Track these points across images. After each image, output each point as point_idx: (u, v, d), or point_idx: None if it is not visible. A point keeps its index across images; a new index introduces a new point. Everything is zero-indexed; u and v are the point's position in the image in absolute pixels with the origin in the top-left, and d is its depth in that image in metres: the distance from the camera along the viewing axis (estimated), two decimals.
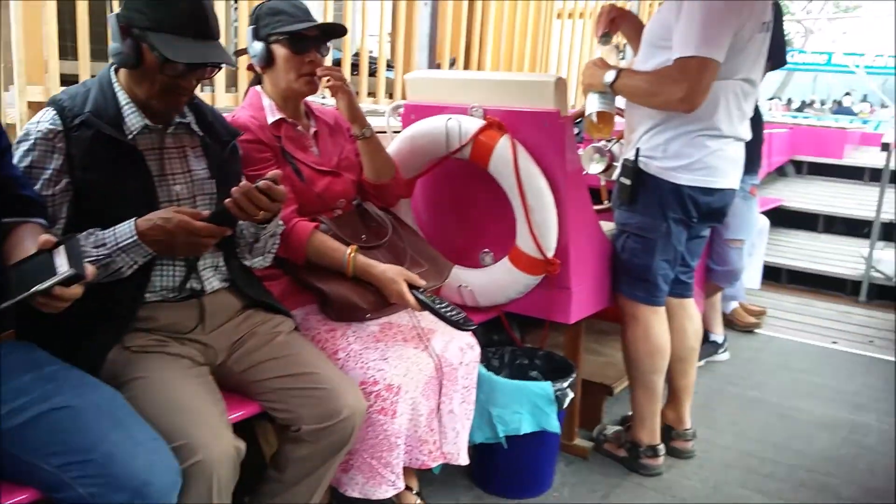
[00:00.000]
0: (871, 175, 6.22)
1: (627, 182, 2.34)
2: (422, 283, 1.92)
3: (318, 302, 1.99)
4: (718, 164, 2.29)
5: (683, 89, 2.10)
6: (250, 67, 2.06)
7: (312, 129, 2.08)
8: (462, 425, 2.04)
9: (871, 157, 6.31)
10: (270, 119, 1.97)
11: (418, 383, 1.90)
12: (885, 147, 4.80)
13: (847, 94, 20.80)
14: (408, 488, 2.05)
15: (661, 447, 2.54)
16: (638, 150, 2.32)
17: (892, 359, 3.84)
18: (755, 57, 2.28)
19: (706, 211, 2.36)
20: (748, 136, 2.39)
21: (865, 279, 4.85)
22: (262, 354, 1.72)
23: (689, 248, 2.49)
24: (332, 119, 2.16)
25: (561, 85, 2.18)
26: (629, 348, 2.49)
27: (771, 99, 18.91)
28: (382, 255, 2.01)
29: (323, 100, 2.58)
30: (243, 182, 1.54)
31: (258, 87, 2.04)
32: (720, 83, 2.18)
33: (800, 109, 20.10)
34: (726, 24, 2.09)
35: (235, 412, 1.67)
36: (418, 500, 2.09)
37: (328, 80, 1.98)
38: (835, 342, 4.09)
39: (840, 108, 19.30)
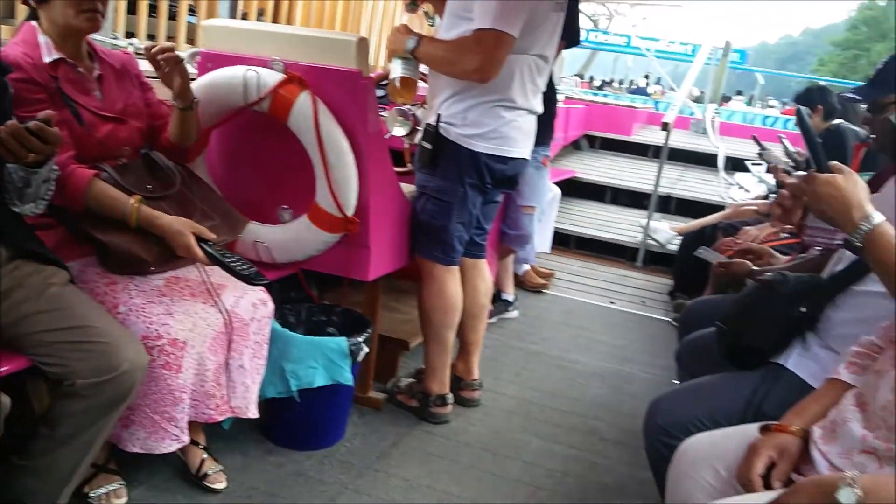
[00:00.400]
0: (654, 152, 6.83)
1: (428, 146, 2.42)
2: (211, 236, 1.88)
3: (97, 254, 1.89)
4: (512, 135, 2.43)
5: (479, 60, 2.20)
6: (24, 0, 1.89)
7: (96, 72, 1.95)
8: (252, 380, 2.04)
9: (656, 136, 6.90)
10: (47, 58, 1.82)
11: (205, 338, 1.88)
12: (665, 126, 5.25)
13: (646, 76, 22.46)
14: (194, 443, 2.03)
15: (450, 396, 2.69)
16: (439, 116, 2.40)
17: (659, 317, 4.29)
18: (549, 35, 2.43)
19: (500, 178, 2.50)
20: (541, 109, 2.55)
21: (642, 246, 5.34)
22: (31, 307, 1.62)
23: (483, 212, 2.63)
24: (119, 63, 2.03)
25: (363, 45, 2.20)
26: (424, 304, 2.59)
27: (574, 76, 20.02)
28: (170, 207, 1.94)
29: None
30: (12, 121, 1.43)
31: (34, 23, 1.87)
32: (515, 57, 2.30)
33: (601, 88, 21.42)
34: (523, 1, 2.20)
35: (1, 367, 1.57)
36: (205, 455, 2.08)
37: (163, 59, 1.88)
38: (612, 302, 4.50)
39: (636, 89, 20.80)
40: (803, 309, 1.67)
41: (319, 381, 2.26)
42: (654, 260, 5.34)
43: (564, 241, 5.52)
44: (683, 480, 1.44)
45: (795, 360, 1.67)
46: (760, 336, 1.72)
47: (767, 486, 1.28)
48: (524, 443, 2.62)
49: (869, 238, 1.33)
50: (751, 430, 1.42)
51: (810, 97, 4.26)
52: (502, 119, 2.39)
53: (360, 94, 2.21)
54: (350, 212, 2.25)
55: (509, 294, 3.87)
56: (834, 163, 1.43)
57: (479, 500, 2.25)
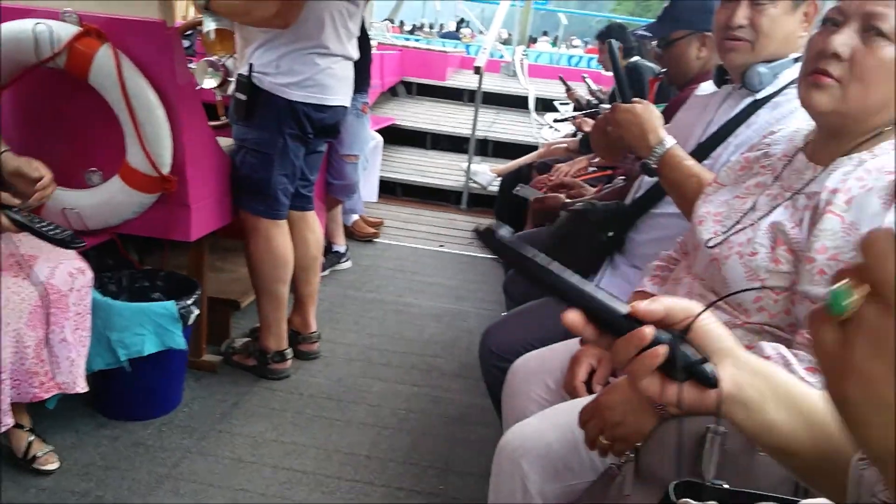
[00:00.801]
0: (468, 96, 6.99)
1: (243, 97, 2.35)
2: (15, 201, 1.75)
3: None
4: (329, 82, 2.41)
5: (276, 5, 2.15)
6: None
7: None
8: (77, 353, 1.94)
9: (469, 80, 7.06)
10: None
11: (21, 314, 1.76)
12: (478, 70, 5.39)
13: (461, 20, 22.69)
14: (18, 426, 1.91)
15: (289, 351, 2.68)
16: (251, 65, 2.33)
17: (486, 256, 4.46)
18: None
19: (320, 127, 2.47)
20: (356, 55, 2.54)
21: (465, 190, 5.51)
22: None
23: (307, 162, 2.60)
24: None
25: None
26: (253, 260, 2.55)
27: (384, 21, 19.87)
28: None
29: None
30: None
31: None
32: (324, 3, 2.28)
33: (412, 32, 21.42)
34: None
35: None
36: (32, 437, 1.96)
37: None
38: (441, 245, 4.62)
39: (448, 33, 20.99)
40: (610, 233, 1.83)
41: (150, 347, 2.17)
42: (478, 202, 5.51)
43: (390, 189, 5.57)
44: (517, 397, 1.55)
45: (607, 280, 1.83)
46: (575, 261, 1.85)
47: (591, 392, 1.41)
48: (367, 387, 2.68)
49: (663, 160, 1.55)
50: (573, 343, 1.54)
51: (609, 35, 4.54)
52: (317, 66, 2.36)
53: (166, 45, 2.10)
54: (166, 170, 2.15)
55: (340, 245, 3.88)
56: (635, 100, 1.64)
57: (328, 446, 2.29)
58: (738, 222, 1.27)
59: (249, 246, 2.54)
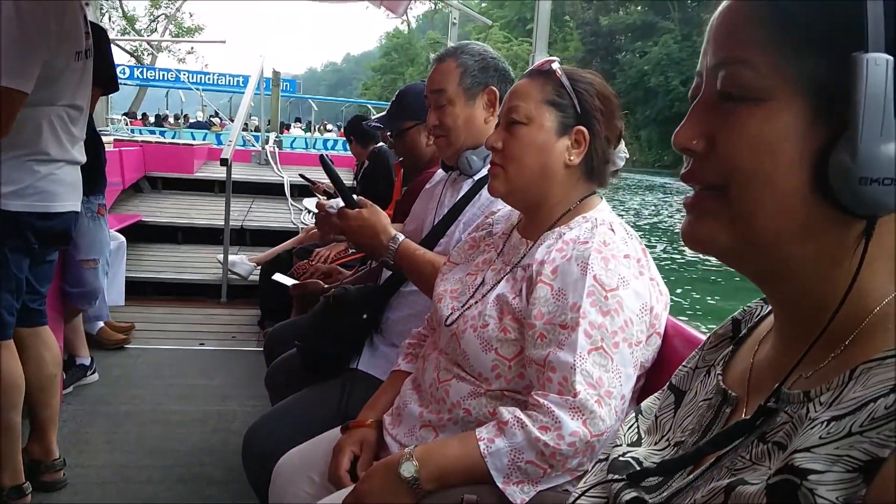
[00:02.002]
0: (220, 187, 6.86)
1: None
2: None
3: None
4: (52, 188, 2.27)
5: None
6: None
7: None
8: None
9: (219, 171, 6.94)
10: None
11: None
12: (224, 162, 5.31)
13: (209, 110, 22.32)
14: None
15: (27, 486, 2.38)
16: None
17: (252, 349, 4.32)
18: (77, 84, 2.33)
19: (48, 235, 2.30)
20: (83, 158, 2.42)
21: (224, 282, 5.33)
22: None
23: (35, 274, 2.39)
24: None
25: None
26: None
27: (122, 115, 19.06)
28: None
29: None
30: None
31: None
32: (42, 109, 2.18)
33: (157, 124, 20.76)
34: (32, 55, 2.08)
35: None
36: None
37: None
38: (202, 343, 4.40)
39: (195, 123, 20.59)
40: (365, 315, 1.87)
41: None
42: (239, 293, 5.35)
43: (141, 290, 5.23)
44: (284, 497, 1.52)
45: (367, 362, 1.87)
46: (334, 346, 1.88)
47: (356, 480, 1.41)
48: None
49: (398, 255, 1.71)
50: (335, 433, 1.55)
51: (354, 126, 4.75)
52: (38, 174, 2.22)
53: None
54: None
55: (85, 357, 3.56)
56: (360, 198, 1.77)
57: None
58: (471, 297, 1.38)
59: None
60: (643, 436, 0.78)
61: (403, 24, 63.25)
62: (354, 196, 1.80)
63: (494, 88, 1.84)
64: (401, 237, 1.73)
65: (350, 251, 3.82)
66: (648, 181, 33.60)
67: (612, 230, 1.29)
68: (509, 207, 1.52)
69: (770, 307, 0.75)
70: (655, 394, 0.83)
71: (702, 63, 0.64)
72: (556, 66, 1.36)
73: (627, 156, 1.42)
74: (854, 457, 0.47)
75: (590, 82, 1.36)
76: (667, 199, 24.46)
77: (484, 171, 1.83)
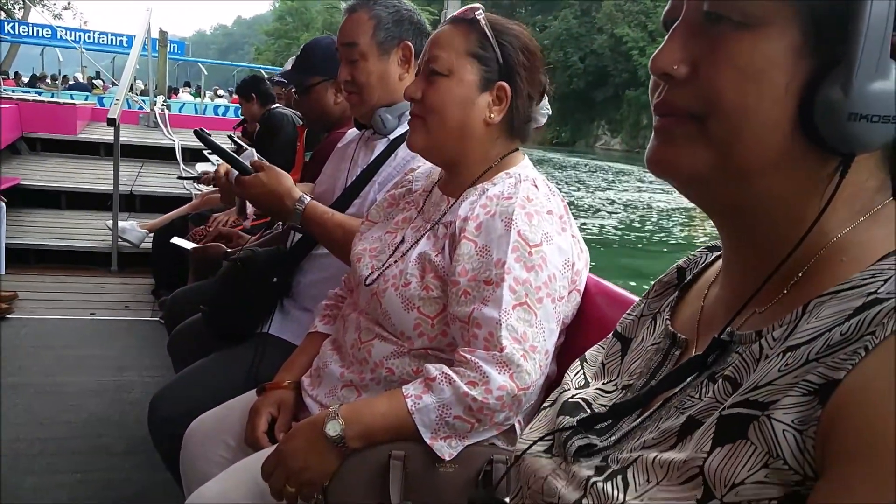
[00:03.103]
0: (106, 150, 6.52)
1: None
2: None
3: None
4: None
5: None
6: None
7: None
8: None
9: (105, 133, 6.59)
10: None
11: None
12: (112, 122, 5.04)
13: (90, 72, 21.05)
14: None
15: None
16: None
17: (147, 318, 4.17)
18: None
19: None
20: None
21: (114, 249, 5.09)
22: None
23: None
24: None
25: None
26: None
27: None
28: None
29: None
30: None
31: None
32: None
33: (32, 84, 19.45)
34: None
35: None
36: None
37: None
38: (93, 313, 4.21)
39: (76, 84, 19.40)
40: (275, 279, 1.83)
41: None
42: (131, 262, 5.13)
43: (23, 258, 4.94)
44: (197, 462, 1.48)
45: (278, 326, 1.83)
46: (242, 310, 1.84)
47: (274, 441, 1.40)
48: (16, 485, 2.34)
49: (305, 218, 1.67)
50: (250, 396, 1.52)
51: (247, 87, 4.60)
52: None
53: None
54: None
55: None
56: (255, 161, 1.71)
57: None
58: (391, 256, 1.37)
59: None
60: (590, 381, 0.79)
61: None
62: (249, 161, 1.73)
63: (409, 43, 1.79)
64: (307, 199, 1.68)
65: (253, 217, 3.73)
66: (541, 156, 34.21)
67: (536, 186, 1.29)
68: (429, 165, 1.50)
69: (716, 254, 0.76)
70: (599, 343, 0.84)
71: None
72: (480, 14, 1.30)
73: (550, 112, 1.41)
74: (810, 381, 0.48)
75: (515, 34, 1.33)
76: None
77: (399, 131, 1.80)
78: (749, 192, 0.58)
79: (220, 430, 1.49)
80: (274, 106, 4.27)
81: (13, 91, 12.66)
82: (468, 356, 1.17)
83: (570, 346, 1.36)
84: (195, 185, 5.78)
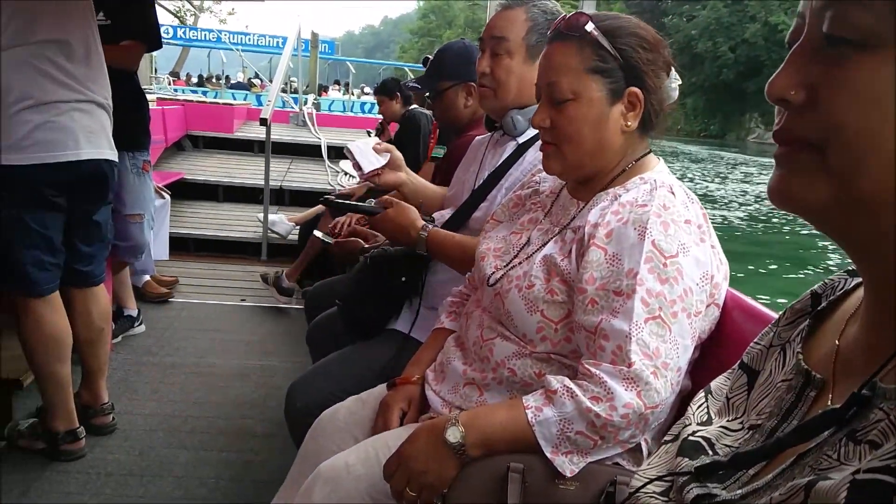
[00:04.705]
0: (259, 147, 6.92)
1: None
2: None
3: None
4: (54, 137, 2.19)
5: None
6: None
7: None
8: None
9: (258, 131, 7.00)
10: None
11: None
12: (264, 122, 5.36)
13: (251, 72, 22.38)
14: None
15: (81, 430, 2.48)
16: None
17: (292, 307, 4.39)
18: (56, 15, 2.20)
19: (71, 188, 2.28)
20: (93, 95, 2.32)
21: (264, 240, 5.42)
22: None
23: (79, 235, 2.41)
24: None
25: None
26: (23, 341, 2.34)
27: (170, 74, 19.26)
28: None
29: None
30: None
31: None
32: (10, 52, 2.09)
33: (200, 84, 20.91)
34: None
35: None
36: None
37: None
38: (243, 300, 4.49)
39: (237, 84, 20.69)
40: (404, 279, 1.88)
41: None
42: (279, 252, 5.43)
43: (184, 246, 5.35)
44: (323, 453, 1.49)
45: (407, 324, 1.88)
46: (374, 307, 1.90)
47: None
48: (171, 458, 2.54)
49: (429, 244, 1.75)
50: (381, 390, 1.56)
51: (386, 88, 4.75)
52: (30, 123, 2.14)
53: None
54: None
55: (132, 309, 3.66)
56: (384, 198, 1.84)
57: None
58: (515, 257, 1.37)
59: (19, 326, 2.32)
60: (713, 417, 0.74)
61: None
62: (374, 201, 1.84)
63: None
64: (429, 226, 1.77)
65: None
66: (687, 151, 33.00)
67: (673, 193, 1.23)
68: None
69: (857, 281, 0.69)
70: (725, 373, 0.79)
71: (804, 3, 0.56)
72: (589, 26, 1.23)
73: (680, 81, 1.31)
74: None
75: (629, 31, 1.25)
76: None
77: (529, 134, 1.80)
78: (876, 229, 0.53)
79: (350, 423, 1.53)
80: (412, 107, 4.38)
81: (183, 91, 13.66)
82: (593, 370, 1.13)
83: (705, 362, 1.29)
84: (338, 180, 6.04)
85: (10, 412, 2.62)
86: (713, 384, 0.79)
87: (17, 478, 2.32)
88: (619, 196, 1.26)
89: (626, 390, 1.10)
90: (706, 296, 1.20)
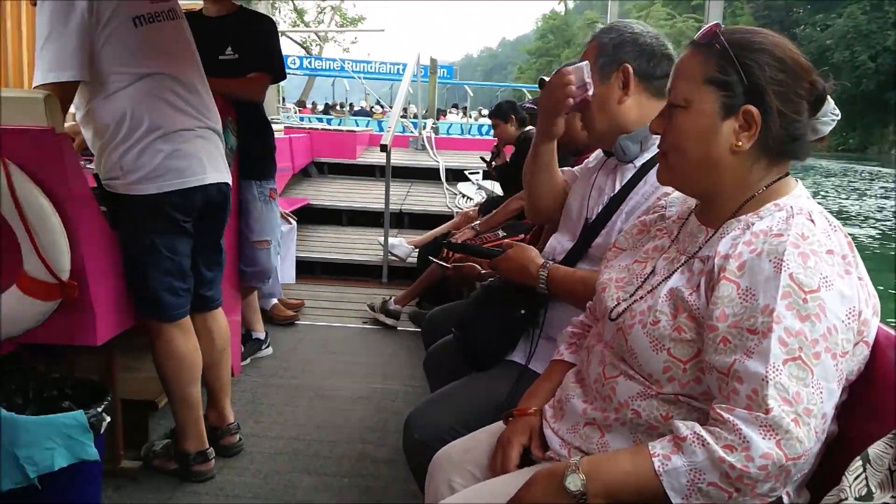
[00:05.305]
0: (380, 172, 7.08)
1: (104, 209, 2.27)
2: None
3: None
4: (180, 164, 2.28)
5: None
6: None
7: None
8: None
9: (379, 157, 7.17)
10: None
11: None
12: (384, 148, 5.47)
13: (373, 98, 23.10)
14: None
15: (211, 451, 2.58)
16: (96, 175, 2.27)
17: (412, 329, 4.42)
18: (170, 50, 2.33)
19: (198, 213, 2.38)
20: (211, 122, 2.43)
21: (385, 263, 5.51)
22: None
23: (202, 260, 2.51)
24: None
25: (51, 102, 2.02)
26: (157, 365, 2.46)
27: (296, 103, 20.15)
28: None
29: None
30: None
31: None
32: (138, 85, 2.21)
33: (325, 112, 21.75)
34: (70, 38, 2.11)
35: None
36: None
37: None
38: (365, 322, 4.57)
39: (360, 111, 21.38)
40: (522, 311, 1.83)
41: (60, 461, 2.04)
42: (399, 274, 5.50)
43: (309, 269, 5.52)
44: (441, 492, 1.47)
45: (525, 355, 1.81)
46: (491, 339, 1.86)
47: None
48: (295, 483, 2.58)
49: (549, 282, 1.75)
50: (497, 428, 1.51)
51: (502, 111, 4.75)
52: (162, 152, 2.25)
53: (55, 151, 2.03)
54: (65, 276, 2.06)
55: (259, 332, 3.80)
56: (505, 242, 1.87)
57: None
58: (639, 288, 1.29)
59: (153, 349, 2.45)
60: (874, 490, 0.68)
61: (560, 4, 62.29)
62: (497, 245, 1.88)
63: (630, 66, 1.72)
64: (549, 264, 1.76)
65: (500, 234, 3.81)
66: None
67: (812, 220, 1.12)
68: None
69: None
70: (883, 439, 0.72)
71: None
72: (720, 36, 1.18)
73: (838, 116, 1.21)
74: None
75: (763, 49, 1.17)
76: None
77: (646, 157, 1.75)
78: None
79: (465, 461, 1.49)
80: (528, 128, 4.35)
81: (309, 119, 14.24)
82: (726, 415, 1.04)
83: (854, 406, 1.16)
84: (456, 202, 6.07)
85: (147, 433, 2.75)
86: (871, 451, 0.71)
87: (151, 497, 2.42)
88: (752, 224, 1.17)
89: (763, 439, 1.00)
90: (853, 333, 1.09)
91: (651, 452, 1.09)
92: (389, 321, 4.46)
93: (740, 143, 1.18)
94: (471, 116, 20.15)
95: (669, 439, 1.10)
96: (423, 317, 4.13)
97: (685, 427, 1.08)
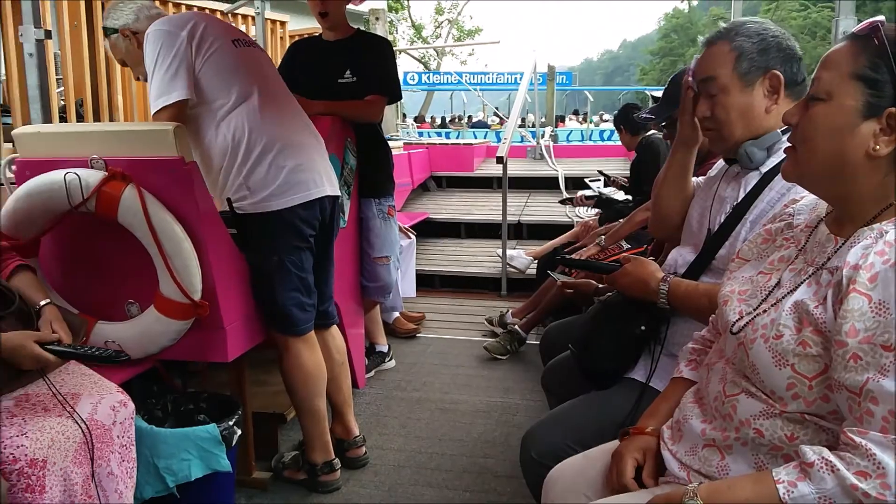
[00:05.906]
0: (498, 183, 7.07)
1: (234, 231, 2.38)
2: (53, 337, 1.82)
3: None
4: (301, 178, 2.37)
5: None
6: None
7: None
8: (125, 485, 1.94)
9: (497, 168, 7.16)
10: None
11: (66, 452, 1.77)
12: (500, 160, 5.47)
13: (491, 109, 23.28)
14: None
15: (337, 462, 2.65)
16: (229, 200, 2.36)
17: (533, 342, 4.34)
18: (269, 72, 2.50)
19: (319, 225, 2.47)
20: (317, 137, 2.54)
21: (503, 275, 5.49)
22: None
23: (318, 273, 2.58)
24: None
25: (180, 133, 2.16)
26: (285, 378, 2.56)
27: (415, 119, 20.55)
28: (10, 326, 1.84)
29: None
30: None
31: None
32: (245, 105, 2.32)
33: (443, 126, 22.05)
34: (173, 63, 2.23)
35: None
36: None
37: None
38: (485, 335, 4.56)
39: (478, 122, 21.53)
40: (643, 327, 1.77)
41: (196, 472, 2.18)
42: (518, 287, 5.46)
43: (429, 282, 5.60)
44: None
45: (646, 373, 1.76)
46: (609, 356, 1.81)
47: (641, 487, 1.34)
48: (418, 495, 2.61)
49: (671, 296, 1.68)
50: (611, 446, 1.47)
51: (622, 117, 4.64)
52: (285, 167, 2.34)
53: (186, 179, 2.17)
54: (197, 296, 2.19)
55: (383, 345, 3.88)
56: (622, 256, 1.82)
57: None
58: (764, 301, 1.23)
59: (281, 363, 2.55)
60: None
61: (683, 2, 60.44)
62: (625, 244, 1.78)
63: (778, 72, 1.61)
64: (671, 278, 1.69)
65: (625, 245, 3.71)
66: None
67: None
68: (814, 196, 1.30)
69: None
70: None
71: None
72: (881, 31, 1.09)
73: None
74: None
75: None
76: None
77: (771, 163, 1.65)
78: None
79: (579, 481, 1.46)
80: (650, 133, 4.22)
81: (428, 134, 14.48)
82: (858, 439, 0.97)
83: None
84: (576, 211, 5.97)
85: (277, 444, 2.86)
86: None
87: None
88: (886, 233, 1.09)
89: None
90: None
91: (776, 479, 1.03)
92: (511, 347, 4.34)
93: (878, 148, 1.10)
94: (591, 122, 19.85)
95: (795, 465, 1.03)
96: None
97: (812, 452, 1.02)
